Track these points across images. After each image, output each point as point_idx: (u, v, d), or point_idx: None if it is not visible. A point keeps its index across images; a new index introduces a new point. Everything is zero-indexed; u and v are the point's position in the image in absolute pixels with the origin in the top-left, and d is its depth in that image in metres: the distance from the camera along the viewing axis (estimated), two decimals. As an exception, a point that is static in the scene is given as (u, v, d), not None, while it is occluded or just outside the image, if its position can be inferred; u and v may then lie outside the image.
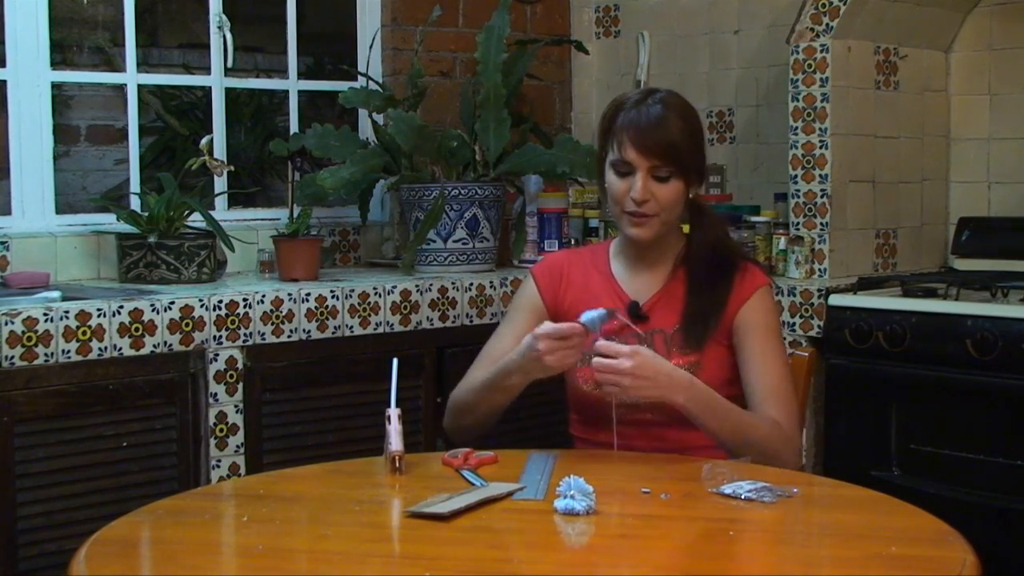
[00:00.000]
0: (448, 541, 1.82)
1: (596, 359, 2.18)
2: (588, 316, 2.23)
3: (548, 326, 2.25)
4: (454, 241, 3.48)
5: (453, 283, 3.32)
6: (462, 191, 3.47)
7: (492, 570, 1.75)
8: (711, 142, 4.03)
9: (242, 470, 2.95)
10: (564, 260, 2.59)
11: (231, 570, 1.80)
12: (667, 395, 2.22)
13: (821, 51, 3.41)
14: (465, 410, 2.49)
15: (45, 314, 2.66)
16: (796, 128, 3.46)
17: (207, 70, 3.72)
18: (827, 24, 3.40)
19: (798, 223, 3.47)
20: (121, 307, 2.77)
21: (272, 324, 3.00)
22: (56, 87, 3.54)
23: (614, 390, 2.19)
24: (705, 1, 4.05)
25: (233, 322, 2.94)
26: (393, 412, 2.15)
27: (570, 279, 2.53)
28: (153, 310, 2.82)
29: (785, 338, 3.25)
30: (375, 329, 3.16)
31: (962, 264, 3.59)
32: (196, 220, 3.29)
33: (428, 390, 3.23)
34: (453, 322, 3.31)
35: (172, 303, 2.85)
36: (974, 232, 3.60)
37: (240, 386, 2.95)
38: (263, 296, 2.99)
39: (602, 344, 2.19)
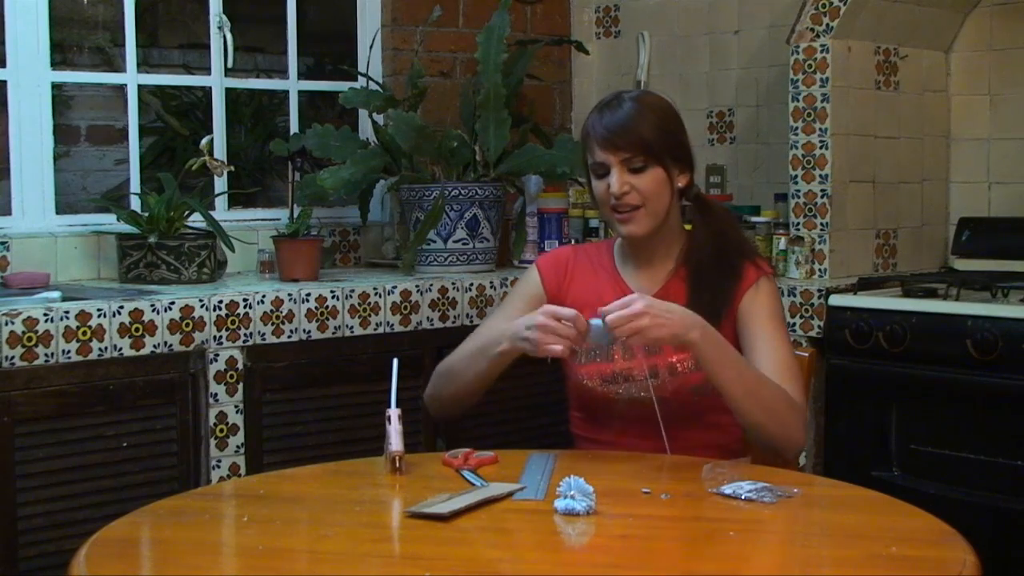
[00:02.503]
0: (448, 541, 1.82)
1: (610, 316, 2.15)
2: (598, 323, 2.19)
3: (553, 307, 2.26)
4: (454, 241, 3.48)
5: (453, 283, 3.32)
6: (462, 191, 3.47)
7: (492, 570, 1.75)
8: (711, 142, 4.03)
9: (242, 470, 2.95)
10: (570, 255, 2.59)
11: (231, 570, 1.80)
12: (682, 333, 2.19)
13: (821, 51, 3.41)
14: (450, 377, 2.48)
15: (45, 314, 2.66)
16: (796, 128, 3.46)
17: (207, 70, 3.72)
18: (827, 24, 3.40)
19: (798, 223, 3.47)
20: (121, 307, 2.77)
21: (272, 324, 3.00)
22: (56, 87, 3.54)
23: (636, 339, 2.17)
24: (705, 1, 4.05)
25: (233, 322, 2.94)
26: (393, 412, 2.15)
27: (575, 274, 2.54)
28: (153, 310, 2.82)
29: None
30: (375, 329, 3.16)
31: (962, 264, 3.59)
32: (196, 220, 3.29)
33: (428, 390, 3.23)
34: (453, 322, 3.31)
35: (172, 303, 2.85)
36: (974, 232, 3.60)
37: (240, 386, 2.95)
38: (263, 296, 2.99)
39: (609, 306, 2.18)
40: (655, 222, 2.42)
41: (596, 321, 2.20)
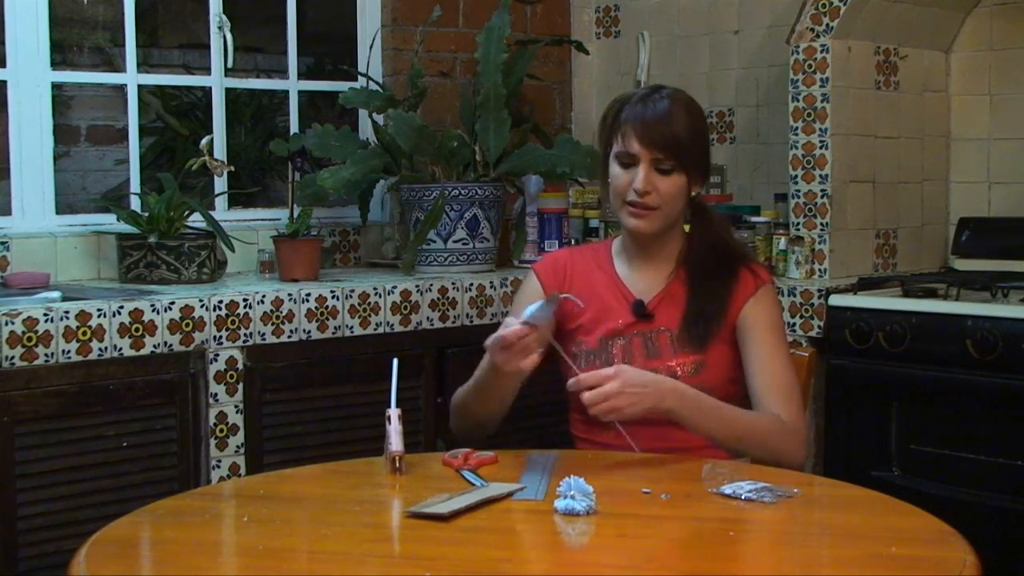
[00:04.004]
0: (448, 541, 1.82)
1: (584, 395, 2.15)
2: (529, 311, 2.19)
3: (494, 335, 2.23)
4: (454, 241, 3.48)
5: (453, 283, 3.32)
6: (462, 191, 3.47)
7: (492, 570, 1.75)
8: (711, 142, 4.02)
9: (242, 470, 2.95)
10: (567, 258, 2.59)
11: (231, 570, 1.80)
12: (657, 404, 2.21)
13: (821, 51, 3.41)
14: (462, 411, 2.49)
15: (45, 314, 2.66)
16: (796, 128, 3.46)
17: (207, 70, 3.72)
18: (827, 24, 3.40)
19: (798, 223, 3.47)
20: (121, 307, 2.77)
21: (272, 324, 3.00)
22: (56, 87, 3.54)
23: (613, 416, 2.18)
24: (705, 1, 4.05)
25: (233, 322, 2.94)
26: (393, 412, 2.15)
27: (574, 277, 2.53)
28: (153, 310, 2.82)
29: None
30: (375, 329, 3.16)
31: (962, 264, 3.59)
32: (196, 220, 3.29)
33: (428, 390, 3.23)
34: (453, 322, 3.31)
35: (172, 303, 2.85)
36: (974, 232, 3.60)
37: (240, 386, 2.95)
38: (263, 296, 2.99)
39: (583, 377, 2.17)
40: (664, 225, 2.43)
41: (529, 308, 2.19)
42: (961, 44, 3.70)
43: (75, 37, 5.11)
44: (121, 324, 2.77)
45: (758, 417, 2.34)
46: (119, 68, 4.01)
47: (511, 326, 2.20)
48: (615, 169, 2.42)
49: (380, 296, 3.17)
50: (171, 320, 2.84)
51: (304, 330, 3.05)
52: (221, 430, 2.93)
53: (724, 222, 2.61)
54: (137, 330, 2.79)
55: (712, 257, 2.47)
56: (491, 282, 3.39)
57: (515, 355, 2.20)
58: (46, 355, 2.66)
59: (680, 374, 2.37)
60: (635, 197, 2.39)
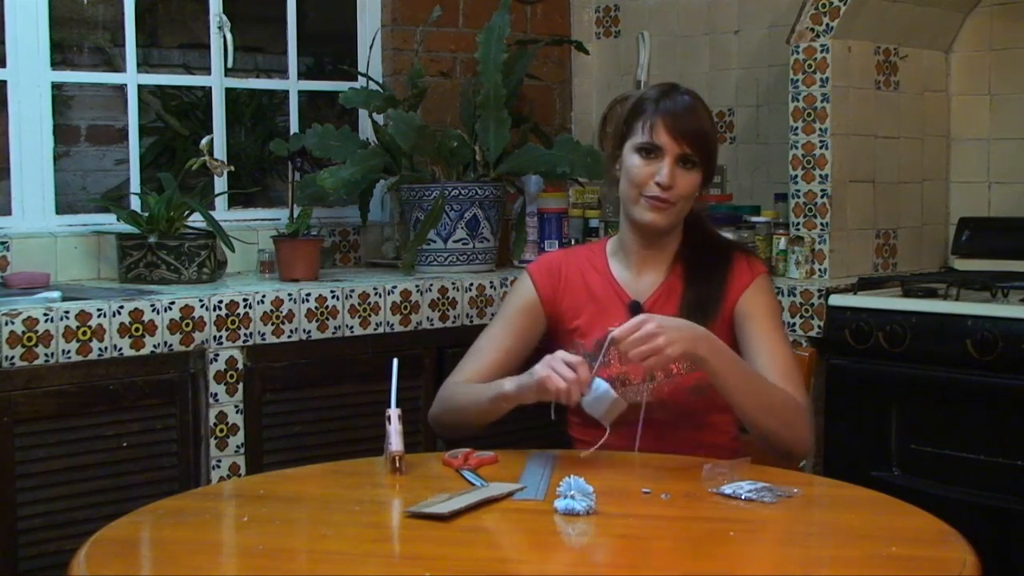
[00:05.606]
0: (448, 541, 1.82)
1: (628, 340, 2.13)
2: (602, 388, 2.18)
3: (564, 353, 2.23)
4: (454, 241, 3.48)
5: (453, 283, 3.32)
6: (462, 191, 3.47)
7: (492, 570, 1.75)
8: (711, 142, 4.03)
9: (242, 470, 2.95)
10: (561, 259, 2.58)
11: (231, 570, 1.80)
12: (691, 348, 2.18)
13: (821, 51, 3.41)
14: (450, 407, 2.47)
15: (45, 314, 2.66)
16: (796, 128, 3.46)
17: (207, 70, 3.72)
18: (827, 24, 3.40)
19: (798, 223, 3.47)
20: (121, 307, 2.77)
21: (272, 324, 3.00)
22: (56, 87, 3.54)
23: (653, 361, 2.15)
24: (705, 1, 4.05)
25: (233, 322, 2.94)
26: (393, 412, 2.15)
27: (568, 279, 2.53)
28: (153, 310, 2.82)
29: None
30: (375, 329, 3.16)
31: (962, 264, 3.60)
32: (196, 220, 3.29)
33: (428, 390, 3.23)
34: (453, 322, 3.31)
35: (172, 303, 2.85)
36: (974, 232, 3.60)
37: (240, 386, 2.95)
38: (263, 296, 2.99)
39: (617, 332, 2.15)
40: (676, 221, 2.44)
41: (601, 384, 2.18)
42: (961, 44, 3.70)
43: (75, 37, 5.11)
44: (121, 324, 2.77)
45: (776, 385, 2.31)
46: (119, 68, 4.01)
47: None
48: (634, 160, 2.40)
49: (380, 296, 3.17)
50: (171, 320, 2.84)
51: (304, 330, 3.05)
52: (221, 430, 2.93)
53: (714, 227, 2.63)
54: (137, 330, 2.79)
55: (708, 249, 2.48)
56: (491, 282, 3.39)
57: (560, 376, 2.18)
58: (46, 355, 2.66)
59: (676, 371, 2.37)
60: (656, 191, 2.38)
